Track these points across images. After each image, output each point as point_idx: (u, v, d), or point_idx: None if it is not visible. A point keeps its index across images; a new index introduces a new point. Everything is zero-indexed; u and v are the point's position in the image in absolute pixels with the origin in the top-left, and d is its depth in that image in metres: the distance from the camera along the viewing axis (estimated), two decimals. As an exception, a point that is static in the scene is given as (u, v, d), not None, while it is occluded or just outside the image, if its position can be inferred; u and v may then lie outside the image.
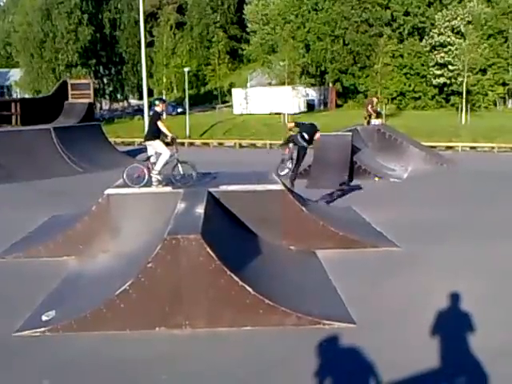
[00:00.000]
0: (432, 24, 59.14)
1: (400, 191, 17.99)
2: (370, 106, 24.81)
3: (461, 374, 6.36)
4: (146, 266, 7.63)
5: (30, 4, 61.05)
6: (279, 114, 53.02)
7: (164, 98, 42.38)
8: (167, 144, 11.61)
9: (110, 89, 69.39)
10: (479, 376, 6.21)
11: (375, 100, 26.00)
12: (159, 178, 11.35)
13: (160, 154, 11.38)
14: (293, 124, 14.87)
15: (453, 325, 7.51)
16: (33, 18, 60.15)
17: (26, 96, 56.98)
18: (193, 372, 6.50)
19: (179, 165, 11.50)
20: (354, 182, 19.45)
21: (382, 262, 10.27)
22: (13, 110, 28.25)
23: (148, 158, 11.53)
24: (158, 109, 11.63)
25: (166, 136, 11.51)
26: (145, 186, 11.17)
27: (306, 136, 13.66)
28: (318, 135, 14.06)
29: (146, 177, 11.24)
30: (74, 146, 25.00)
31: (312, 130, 13.98)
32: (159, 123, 11.29)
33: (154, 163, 11.40)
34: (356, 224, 12.99)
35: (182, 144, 29.75)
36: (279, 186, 11.36)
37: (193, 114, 53.90)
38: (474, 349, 6.76)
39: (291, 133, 14.25)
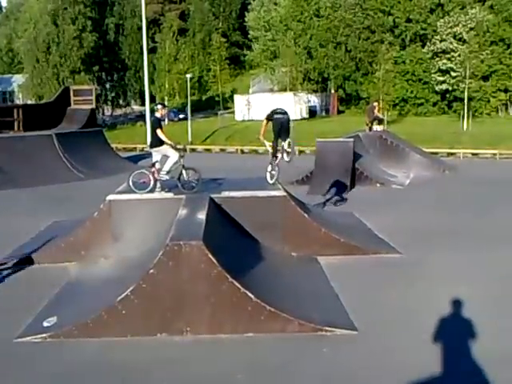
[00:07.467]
0: (434, 30, 59.22)
1: (402, 198, 17.96)
2: (372, 111, 24.79)
3: (464, 381, 6.34)
4: (148, 272, 7.62)
5: (36, 9, 61.27)
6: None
7: (165, 103, 42.30)
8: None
9: (113, 95, 69.58)
10: (482, 383, 6.19)
11: (376, 104, 25.92)
12: (167, 177, 11.34)
13: (168, 157, 11.38)
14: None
15: (455, 331, 7.49)
16: (39, 24, 60.39)
17: (29, 102, 57.12)
18: (194, 378, 6.48)
19: (184, 171, 11.40)
20: (356, 189, 19.44)
21: (384, 269, 10.26)
22: (15, 116, 28.25)
23: (153, 164, 11.40)
24: (158, 115, 11.51)
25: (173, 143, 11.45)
26: (149, 192, 11.14)
27: None
28: None
29: (152, 184, 11.15)
30: (75, 151, 25.01)
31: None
32: (158, 132, 11.19)
33: (160, 169, 11.34)
34: (358, 230, 12.97)
35: (184, 150, 29.72)
36: (281, 192, 11.35)
37: (195, 120, 53.97)
38: (477, 355, 6.73)
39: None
